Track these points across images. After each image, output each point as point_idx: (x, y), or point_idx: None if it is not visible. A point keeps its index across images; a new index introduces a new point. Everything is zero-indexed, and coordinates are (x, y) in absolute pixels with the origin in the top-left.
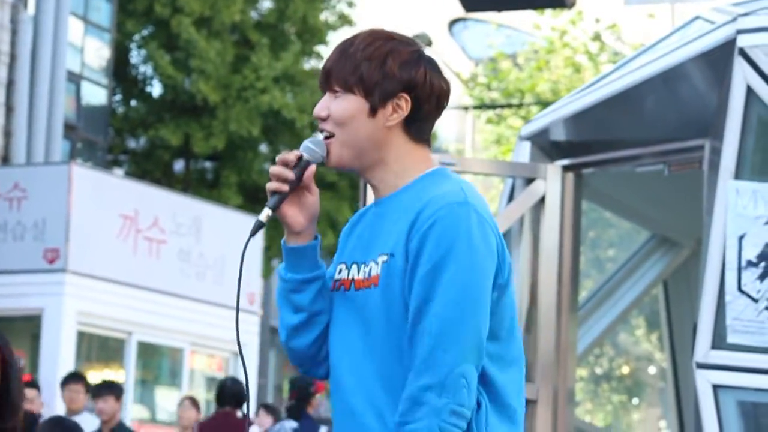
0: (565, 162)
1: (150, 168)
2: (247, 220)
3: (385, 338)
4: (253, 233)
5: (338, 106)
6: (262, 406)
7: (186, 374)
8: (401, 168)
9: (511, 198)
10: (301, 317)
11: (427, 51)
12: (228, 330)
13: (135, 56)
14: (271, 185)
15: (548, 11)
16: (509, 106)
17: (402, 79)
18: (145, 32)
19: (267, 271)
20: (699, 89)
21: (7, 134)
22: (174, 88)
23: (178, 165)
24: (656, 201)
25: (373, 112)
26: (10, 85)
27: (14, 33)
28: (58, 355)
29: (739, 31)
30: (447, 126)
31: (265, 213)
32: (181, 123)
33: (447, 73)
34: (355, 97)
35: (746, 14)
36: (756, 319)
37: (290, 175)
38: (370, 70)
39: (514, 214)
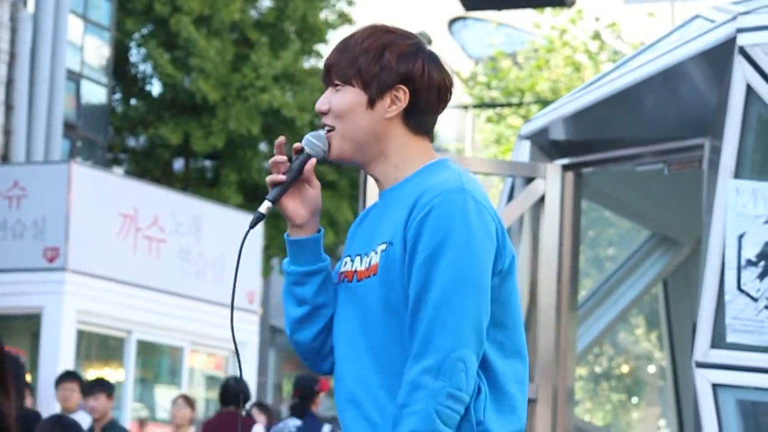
0: (565, 161)
1: (150, 167)
2: (247, 219)
3: (383, 327)
4: (252, 225)
5: (338, 99)
6: (256, 404)
7: (186, 373)
8: (402, 160)
9: (510, 197)
10: (304, 310)
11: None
12: (228, 329)
13: (135, 55)
14: (270, 177)
15: (548, 10)
16: (509, 105)
17: (399, 71)
18: (144, 31)
19: (267, 270)
20: (699, 88)
21: (7, 133)
22: (174, 86)
23: (178, 164)
24: (656, 200)
25: (371, 103)
26: (10, 83)
27: (14, 31)
28: (57, 354)
29: (739, 30)
30: (447, 125)
31: (266, 205)
32: (180, 122)
33: (452, 77)
34: (354, 89)
35: (746, 13)
36: (755, 318)
37: (282, 158)
38: (367, 62)
39: (513, 214)
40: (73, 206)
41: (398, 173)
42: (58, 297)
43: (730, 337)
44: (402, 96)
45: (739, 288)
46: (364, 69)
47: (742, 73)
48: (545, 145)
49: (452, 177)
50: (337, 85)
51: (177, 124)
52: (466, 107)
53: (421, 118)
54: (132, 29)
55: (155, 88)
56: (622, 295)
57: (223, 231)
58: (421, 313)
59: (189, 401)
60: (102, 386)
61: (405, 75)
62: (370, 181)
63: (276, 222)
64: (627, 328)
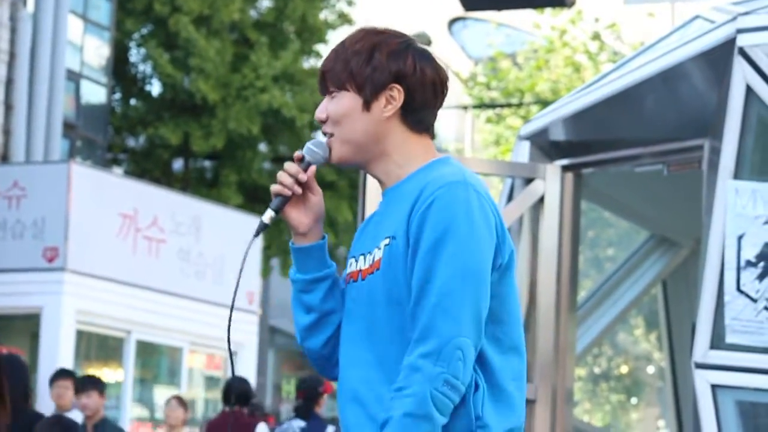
0: (565, 162)
1: (149, 167)
2: (247, 220)
3: (386, 322)
4: (256, 234)
5: (334, 105)
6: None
7: (185, 373)
8: (403, 158)
9: (510, 198)
10: (313, 317)
11: (422, 44)
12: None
13: (134, 55)
14: (274, 187)
15: (548, 10)
16: (509, 105)
17: (391, 70)
18: (144, 31)
19: (266, 271)
20: (698, 89)
21: (7, 133)
22: (173, 86)
23: (178, 164)
24: (655, 201)
25: (367, 105)
26: (10, 83)
27: (13, 31)
28: (57, 354)
29: (739, 31)
30: (446, 125)
31: (268, 214)
32: (180, 122)
33: (446, 72)
34: (349, 93)
35: (746, 13)
36: (755, 319)
37: (288, 180)
38: (359, 65)
39: (513, 214)
40: (73, 206)
41: (401, 171)
42: (58, 297)
43: (730, 338)
44: (397, 95)
45: (739, 289)
46: (356, 72)
47: (741, 74)
48: (545, 146)
49: (454, 171)
50: (332, 91)
51: (177, 124)
52: (465, 108)
53: (418, 115)
54: (132, 29)
55: (155, 88)
56: (621, 296)
57: (223, 231)
58: (423, 302)
59: (182, 402)
60: (94, 383)
61: (397, 73)
62: (370, 181)
63: (276, 222)
64: (626, 329)
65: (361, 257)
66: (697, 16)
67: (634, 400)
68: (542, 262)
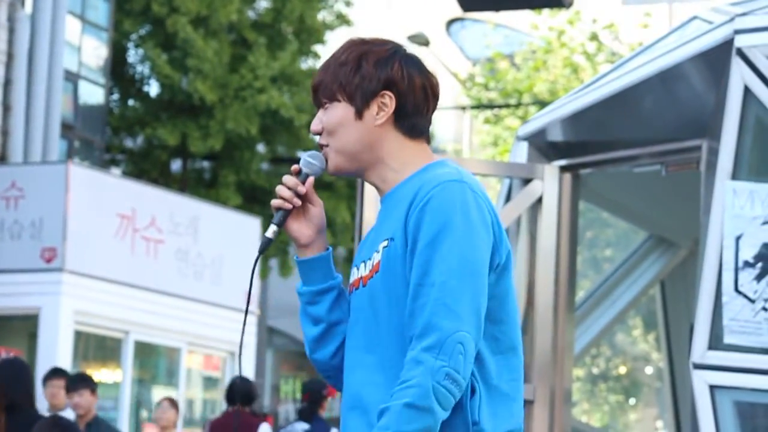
0: (563, 162)
1: (147, 167)
2: (245, 220)
3: (387, 323)
4: (261, 250)
5: (327, 116)
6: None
7: (183, 374)
8: (399, 164)
9: (508, 198)
10: (320, 329)
11: (416, 50)
12: (225, 330)
13: (132, 55)
14: (275, 202)
15: (546, 11)
16: (507, 106)
17: (380, 78)
18: (142, 31)
19: (265, 272)
20: (696, 89)
21: (4, 133)
22: (171, 87)
23: (176, 164)
24: (653, 201)
25: (359, 114)
26: (7, 84)
27: (11, 31)
28: (55, 354)
29: (737, 31)
30: (444, 126)
31: (272, 229)
32: (178, 122)
33: (444, 73)
34: (341, 104)
35: (744, 14)
36: (753, 319)
37: (287, 193)
38: (348, 75)
39: (511, 215)
40: (71, 207)
41: (397, 176)
42: (56, 297)
43: (728, 339)
44: (388, 101)
45: (737, 289)
46: (346, 82)
47: (739, 75)
48: (543, 147)
49: (451, 171)
50: (325, 103)
51: (174, 125)
52: (463, 108)
53: (411, 120)
54: (129, 30)
55: (153, 88)
56: (619, 297)
57: (221, 232)
58: (422, 297)
59: (174, 403)
60: (85, 381)
61: (386, 80)
62: (367, 185)
63: None
64: (624, 330)
65: (362, 264)
66: (694, 17)
67: (632, 401)
68: (540, 263)
